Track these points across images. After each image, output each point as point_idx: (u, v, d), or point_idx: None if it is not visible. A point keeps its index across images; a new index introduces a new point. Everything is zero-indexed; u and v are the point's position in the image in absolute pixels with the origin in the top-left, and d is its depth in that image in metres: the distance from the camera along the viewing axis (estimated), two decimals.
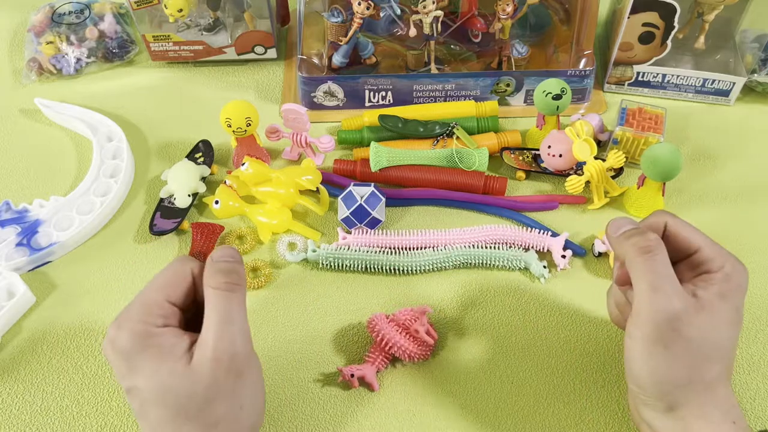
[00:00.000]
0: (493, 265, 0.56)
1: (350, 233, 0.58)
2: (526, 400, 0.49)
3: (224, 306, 0.38)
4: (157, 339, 0.37)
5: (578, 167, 0.60)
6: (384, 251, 0.56)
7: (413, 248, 0.57)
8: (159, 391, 0.37)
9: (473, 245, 0.56)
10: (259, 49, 0.73)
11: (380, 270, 0.56)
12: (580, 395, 0.49)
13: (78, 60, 0.73)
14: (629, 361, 0.40)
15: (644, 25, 0.64)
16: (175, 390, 0.36)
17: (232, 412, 0.38)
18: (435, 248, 0.57)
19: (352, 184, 0.58)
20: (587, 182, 0.59)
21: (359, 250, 0.56)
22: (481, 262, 0.56)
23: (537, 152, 0.63)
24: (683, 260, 0.42)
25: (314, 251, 0.56)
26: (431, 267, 0.55)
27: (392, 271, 0.56)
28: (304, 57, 0.68)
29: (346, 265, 0.55)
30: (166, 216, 0.59)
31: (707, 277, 0.40)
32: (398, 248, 0.57)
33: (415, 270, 0.55)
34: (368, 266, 0.55)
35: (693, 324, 0.38)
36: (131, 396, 0.38)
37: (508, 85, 0.67)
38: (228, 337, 0.37)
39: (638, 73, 0.68)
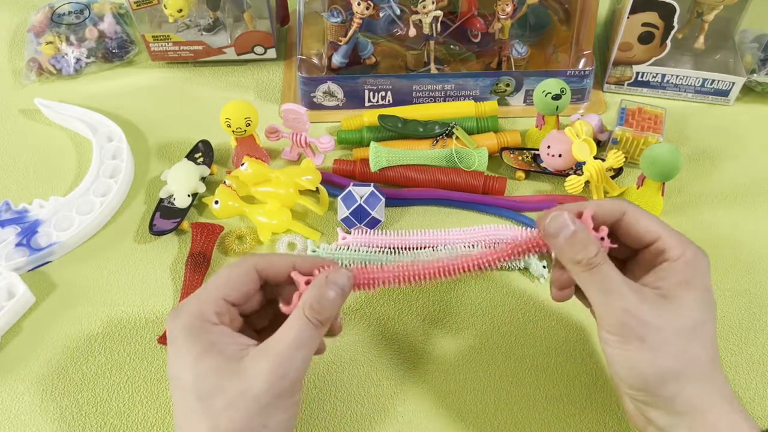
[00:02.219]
0: None
1: (350, 233, 0.58)
2: (526, 399, 0.49)
3: (305, 334, 0.37)
4: (208, 336, 0.37)
5: (578, 167, 0.60)
6: (383, 251, 0.56)
7: (413, 248, 0.57)
8: (198, 383, 0.36)
9: (473, 245, 0.56)
10: (258, 50, 0.73)
11: None
12: (580, 395, 0.49)
13: (78, 60, 0.73)
14: (614, 366, 0.38)
15: (644, 25, 0.64)
16: (214, 384, 0.36)
17: (251, 426, 0.36)
18: (435, 248, 0.57)
19: (352, 184, 0.58)
20: (587, 182, 0.59)
21: (359, 251, 0.56)
22: None
23: (536, 152, 0.63)
24: (644, 249, 0.41)
25: (314, 251, 0.56)
26: None
27: None
28: (304, 57, 0.68)
29: (346, 266, 0.55)
30: (165, 216, 0.59)
31: (668, 266, 0.39)
32: (398, 248, 0.57)
33: None
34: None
35: (660, 314, 0.37)
36: (173, 385, 0.38)
37: (507, 85, 0.67)
38: (292, 359, 0.36)
39: (638, 73, 0.69)
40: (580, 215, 0.40)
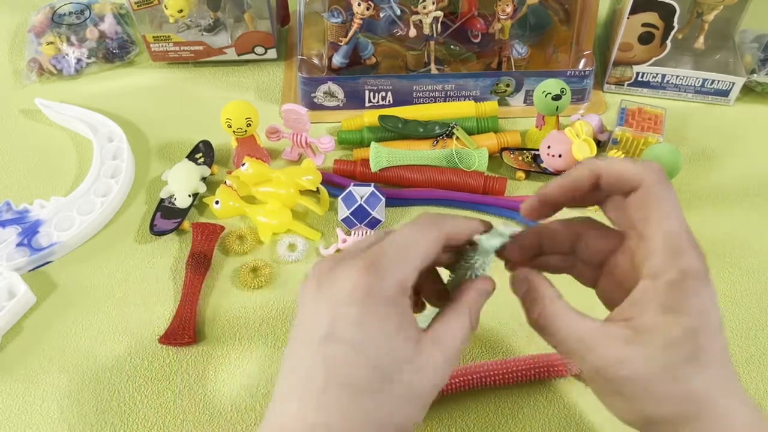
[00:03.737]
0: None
1: (350, 234, 0.58)
2: (525, 400, 0.49)
3: (467, 333, 0.33)
4: (404, 309, 0.31)
5: None
6: None
7: None
8: (381, 348, 0.30)
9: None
10: (259, 50, 0.73)
11: None
12: (580, 394, 0.49)
13: (78, 60, 0.73)
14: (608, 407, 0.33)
15: (644, 25, 0.64)
16: (396, 366, 0.30)
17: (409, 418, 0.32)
18: None
19: (352, 184, 0.58)
20: None
21: None
22: None
23: (537, 152, 0.63)
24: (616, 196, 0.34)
25: None
26: None
27: None
28: (304, 57, 0.68)
29: None
30: (166, 216, 0.59)
31: (643, 288, 0.31)
32: None
33: None
34: None
35: (632, 361, 0.30)
36: (333, 348, 0.30)
37: (507, 85, 0.67)
38: (457, 357, 0.33)
39: (638, 74, 0.69)
40: (597, 182, 0.34)
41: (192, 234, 0.58)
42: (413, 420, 0.31)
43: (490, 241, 0.34)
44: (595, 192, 0.34)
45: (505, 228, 0.35)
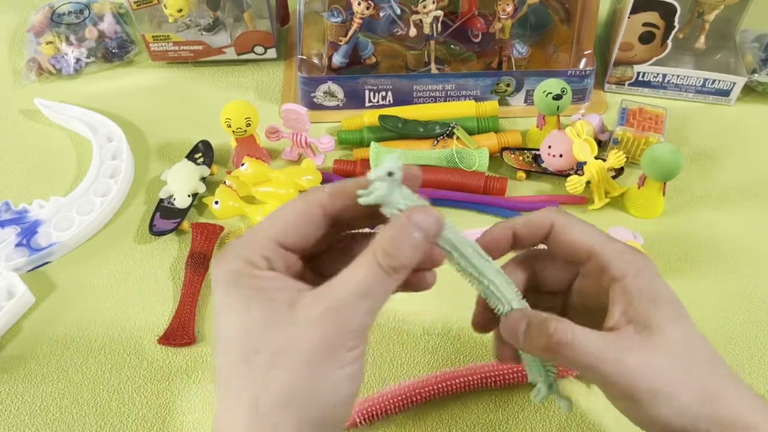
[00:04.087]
0: None
1: None
2: (526, 401, 0.49)
3: (372, 281, 0.29)
4: (254, 281, 0.30)
5: (579, 167, 0.60)
6: None
7: None
8: (242, 338, 0.29)
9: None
10: (258, 49, 0.73)
11: None
12: (581, 394, 0.49)
13: (77, 60, 0.73)
14: (638, 404, 0.32)
15: (644, 24, 0.64)
16: (260, 338, 0.29)
17: (300, 387, 0.29)
18: None
19: None
20: (588, 182, 0.58)
21: None
22: None
23: (537, 152, 0.62)
24: (587, 267, 0.35)
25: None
26: None
27: None
28: (304, 57, 0.67)
29: None
30: (165, 216, 0.59)
31: (618, 292, 0.33)
32: None
33: None
34: None
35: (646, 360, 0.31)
36: (217, 347, 0.30)
37: (508, 85, 0.67)
38: (353, 308, 0.29)
39: (638, 73, 0.68)
40: (513, 236, 0.36)
41: (191, 234, 0.58)
42: (327, 377, 0.29)
43: (377, 175, 0.30)
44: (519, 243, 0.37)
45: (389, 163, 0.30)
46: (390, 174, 0.29)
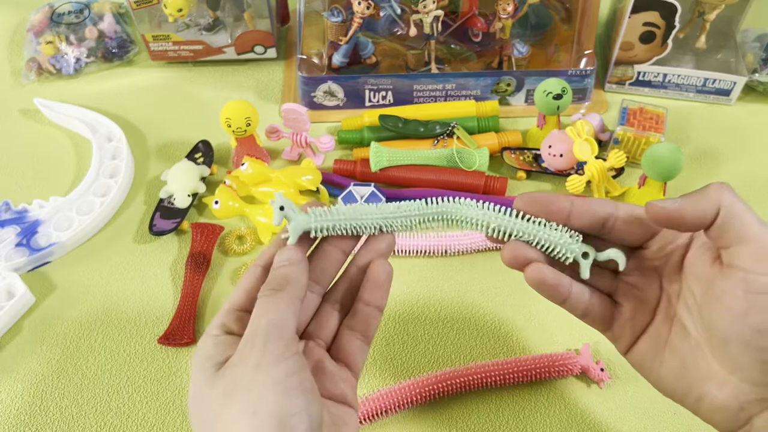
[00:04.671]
0: None
1: None
2: (527, 401, 0.49)
3: (258, 310, 0.32)
4: (199, 350, 0.33)
5: (579, 167, 0.60)
6: None
7: (410, 252, 0.57)
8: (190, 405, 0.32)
9: (476, 250, 0.56)
10: (258, 49, 0.73)
11: None
12: (582, 394, 0.49)
13: (77, 60, 0.73)
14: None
15: (645, 24, 0.64)
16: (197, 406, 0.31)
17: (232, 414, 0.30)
18: (435, 253, 0.56)
19: (352, 184, 0.58)
20: (588, 182, 0.58)
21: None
22: None
23: (538, 152, 0.62)
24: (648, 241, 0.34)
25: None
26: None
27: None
28: (304, 57, 0.67)
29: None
30: (165, 216, 0.59)
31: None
32: (395, 251, 0.57)
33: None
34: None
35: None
36: None
37: (508, 84, 0.67)
38: (252, 333, 0.31)
39: (639, 73, 0.68)
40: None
41: (191, 234, 0.58)
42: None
43: (278, 218, 0.34)
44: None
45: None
46: (281, 208, 0.34)
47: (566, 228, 0.34)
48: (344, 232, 0.35)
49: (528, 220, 0.34)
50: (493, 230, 0.34)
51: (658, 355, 0.34)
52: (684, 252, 0.33)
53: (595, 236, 0.34)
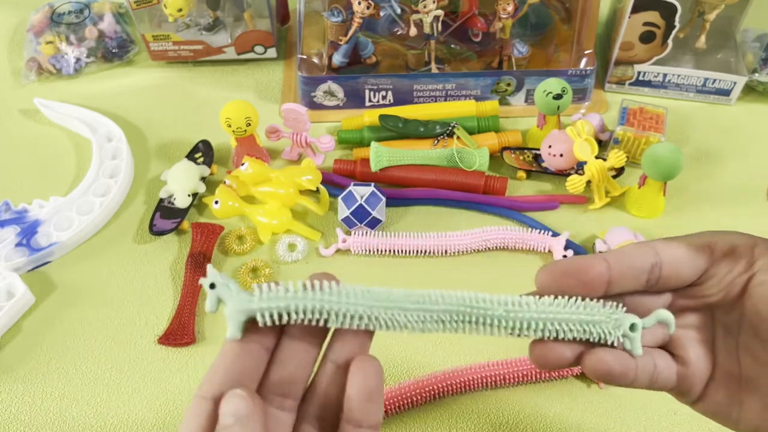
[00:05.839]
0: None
1: (350, 233, 0.58)
2: (526, 401, 0.49)
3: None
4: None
5: (579, 167, 0.60)
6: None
7: (410, 252, 0.57)
8: None
9: (476, 249, 0.56)
10: (258, 49, 0.73)
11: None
12: (581, 395, 0.49)
13: (77, 60, 0.73)
14: None
15: (645, 24, 0.64)
16: None
17: None
18: (435, 252, 0.56)
19: (352, 184, 0.58)
20: (588, 182, 0.58)
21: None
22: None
23: (538, 152, 0.62)
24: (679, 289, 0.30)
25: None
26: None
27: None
28: (304, 56, 0.67)
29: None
30: (165, 216, 0.59)
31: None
32: (395, 251, 0.57)
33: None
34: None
35: None
36: None
37: (508, 84, 0.67)
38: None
39: (639, 73, 0.68)
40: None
41: (191, 234, 0.58)
42: None
43: (212, 301, 0.26)
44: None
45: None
46: (212, 286, 0.26)
47: (606, 302, 0.28)
48: (307, 317, 0.26)
49: (557, 303, 0.27)
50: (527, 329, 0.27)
51: (736, 397, 0.29)
52: (749, 277, 0.29)
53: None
